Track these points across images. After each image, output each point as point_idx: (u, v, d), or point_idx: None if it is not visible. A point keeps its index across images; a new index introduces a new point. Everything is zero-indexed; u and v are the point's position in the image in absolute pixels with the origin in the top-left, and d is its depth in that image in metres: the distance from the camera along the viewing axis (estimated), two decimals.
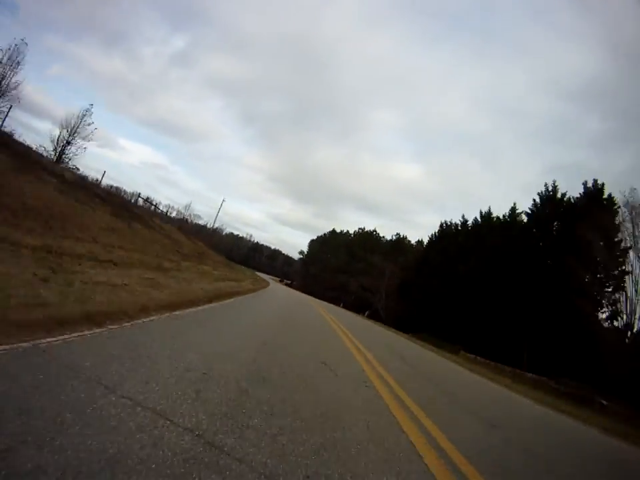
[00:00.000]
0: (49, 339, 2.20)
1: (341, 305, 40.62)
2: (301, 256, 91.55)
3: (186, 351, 2.86)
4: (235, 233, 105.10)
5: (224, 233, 70.45)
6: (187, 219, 32.28)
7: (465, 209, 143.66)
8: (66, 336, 2.35)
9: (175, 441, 1.54)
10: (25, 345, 2.01)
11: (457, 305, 21.45)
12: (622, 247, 20.51)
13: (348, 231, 75.61)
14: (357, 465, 1.89)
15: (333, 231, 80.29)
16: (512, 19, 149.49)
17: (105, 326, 2.85)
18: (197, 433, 1.67)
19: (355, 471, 1.81)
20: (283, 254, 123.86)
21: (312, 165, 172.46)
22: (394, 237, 62.74)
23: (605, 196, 20.14)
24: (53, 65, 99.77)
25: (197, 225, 47.41)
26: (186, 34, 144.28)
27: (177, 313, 4.45)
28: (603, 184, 20.46)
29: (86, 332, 2.57)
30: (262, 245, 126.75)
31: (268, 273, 77.10)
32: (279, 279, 79.48)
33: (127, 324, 3.15)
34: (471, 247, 23.15)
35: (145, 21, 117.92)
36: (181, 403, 1.91)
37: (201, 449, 1.55)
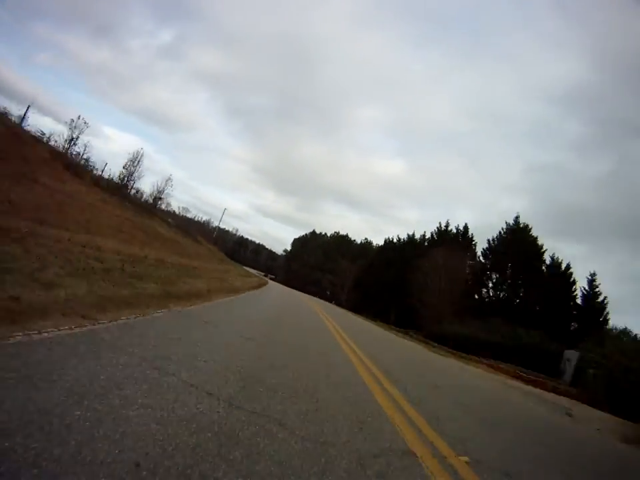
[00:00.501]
0: (221, 299, 14.88)
1: (318, 296, 54.01)
2: (284, 253, 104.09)
3: (269, 302, 15.63)
4: (222, 226, 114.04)
5: (210, 227, 77.63)
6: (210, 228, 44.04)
7: (446, 205, 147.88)
8: (225, 298, 15.07)
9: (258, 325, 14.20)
10: (217, 300, 14.68)
11: (383, 297, 34.94)
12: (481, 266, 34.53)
13: (326, 234, 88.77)
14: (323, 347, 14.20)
15: (313, 232, 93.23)
16: (501, 26, 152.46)
17: (240, 293, 15.60)
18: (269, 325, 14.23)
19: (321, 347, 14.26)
20: (267, 249, 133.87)
21: (296, 158, 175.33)
22: (363, 241, 76.30)
23: (469, 234, 34.08)
24: (41, 54, 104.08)
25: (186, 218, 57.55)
26: (174, 27, 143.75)
27: (254, 292, 17.09)
28: (467, 225, 34.49)
29: (228, 297, 15.29)
30: (247, 239, 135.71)
31: (254, 268, 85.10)
32: (263, 273, 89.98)
33: (243, 293, 15.90)
34: (395, 259, 36.51)
35: (135, 13, 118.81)
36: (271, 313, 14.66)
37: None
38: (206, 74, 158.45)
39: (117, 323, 3.25)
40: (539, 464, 3.33)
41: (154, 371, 2.37)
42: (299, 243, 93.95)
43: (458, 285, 25.75)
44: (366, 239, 76.32)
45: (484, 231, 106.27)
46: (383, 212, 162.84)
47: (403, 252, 36.92)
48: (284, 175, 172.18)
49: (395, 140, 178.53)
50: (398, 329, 24.66)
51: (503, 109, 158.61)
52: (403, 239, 40.60)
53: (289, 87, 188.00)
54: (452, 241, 32.85)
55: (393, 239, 43.73)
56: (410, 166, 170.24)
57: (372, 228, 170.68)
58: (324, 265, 68.15)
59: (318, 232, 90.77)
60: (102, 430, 1.50)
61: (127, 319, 3.49)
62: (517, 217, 29.68)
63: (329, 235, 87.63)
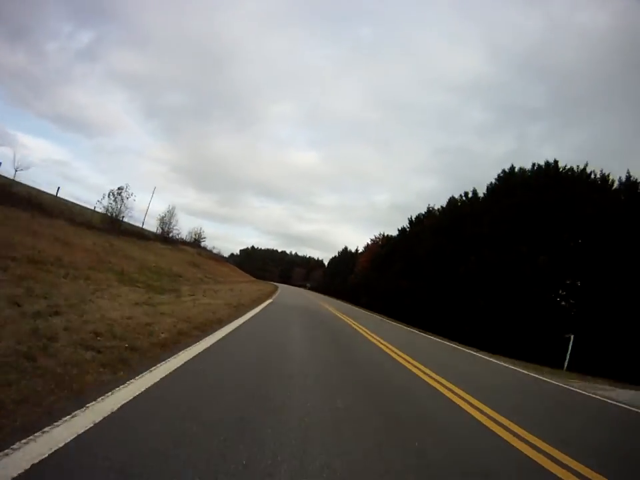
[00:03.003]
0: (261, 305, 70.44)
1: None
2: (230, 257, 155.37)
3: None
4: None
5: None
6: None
7: (363, 190, 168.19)
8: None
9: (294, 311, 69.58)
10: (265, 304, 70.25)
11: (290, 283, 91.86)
12: None
13: (261, 248, 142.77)
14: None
15: (253, 247, 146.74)
16: (402, 24, 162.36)
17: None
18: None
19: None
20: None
21: (214, 155, 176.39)
22: (282, 250, 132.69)
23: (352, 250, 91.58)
24: None
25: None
26: (91, 30, 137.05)
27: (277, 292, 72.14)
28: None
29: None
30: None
31: None
32: None
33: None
34: (286, 270, 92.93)
35: (52, 16, 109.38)
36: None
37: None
38: (123, 75, 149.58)
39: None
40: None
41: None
42: (245, 253, 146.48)
43: (343, 276, 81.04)
44: (293, 252, 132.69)
45: (401, 209, 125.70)
46: (303, 200, 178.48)
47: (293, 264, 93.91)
48: (203, 172, 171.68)
49: (308, 132, 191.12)
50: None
51: (408, 98, 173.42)
52: (296, 253, 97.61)
53: (204, 86, 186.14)
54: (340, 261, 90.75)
55: (296, 254, 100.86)
56: (324, 155, 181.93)
57: (294, 216, 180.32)
58: (263, 267, 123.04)
59: (257, 247, 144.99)
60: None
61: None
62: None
63: (263, 248, 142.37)
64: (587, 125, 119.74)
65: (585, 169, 18.23)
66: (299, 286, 76.36)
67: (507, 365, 9.36)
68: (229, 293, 14.63)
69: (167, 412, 2.14)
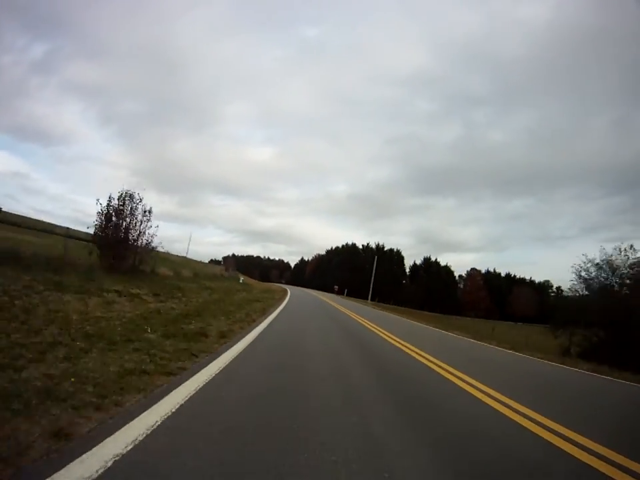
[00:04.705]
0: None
1: None
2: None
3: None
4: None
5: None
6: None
7: (320, 182, 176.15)
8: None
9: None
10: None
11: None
12: None
13: (242, 255, 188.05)
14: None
15: (234, 254, 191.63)
16: (347, 24, 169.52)
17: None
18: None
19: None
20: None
21: (172, 157, 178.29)
22: (262, 255, 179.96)
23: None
24: None
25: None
26: (45, 42, 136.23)
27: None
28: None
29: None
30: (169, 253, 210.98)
31: None
32: None
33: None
34: (264, 270, 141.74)
35: (5, 30, 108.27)
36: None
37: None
38: (78, 85, 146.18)
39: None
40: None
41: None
42: (226, 259, 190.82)
43: (302, 275, 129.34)
44: (259, 255, 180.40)
45: (359, 198, 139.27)
46: (262, 195, 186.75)
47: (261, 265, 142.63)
48: (163, 175, 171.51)
49: (264, 129, 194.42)
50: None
51: (358, 93, 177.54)
52: (267, 257, 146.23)
53: (159, 91, 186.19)
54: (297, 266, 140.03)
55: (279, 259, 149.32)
56: (281, 150, 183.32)
57: (255, 211, 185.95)
58: (246, 270, 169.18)
59: (238, 254, 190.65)
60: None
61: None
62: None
63: (246, 255, 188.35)
64: (528, 109, 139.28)
65: (361, 245, 70.63)
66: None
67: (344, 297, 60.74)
68: (280, 286, 64.19)
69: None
